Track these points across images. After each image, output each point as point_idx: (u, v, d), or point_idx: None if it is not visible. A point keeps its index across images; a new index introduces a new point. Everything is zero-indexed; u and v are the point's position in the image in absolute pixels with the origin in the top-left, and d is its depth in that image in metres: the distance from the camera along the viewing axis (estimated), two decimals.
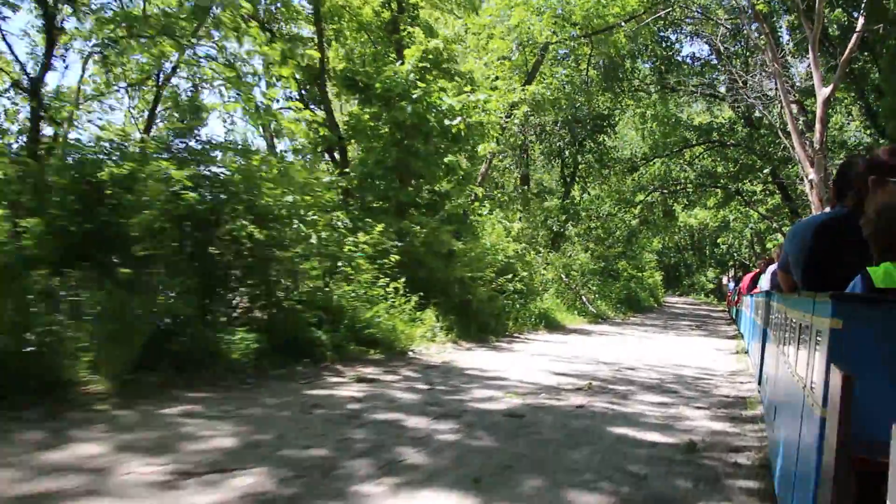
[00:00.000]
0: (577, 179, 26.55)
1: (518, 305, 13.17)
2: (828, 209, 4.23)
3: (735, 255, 47.33)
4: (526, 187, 22.32)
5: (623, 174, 30.91)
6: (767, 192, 33.20)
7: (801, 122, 21.75)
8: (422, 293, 9.84)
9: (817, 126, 18.22)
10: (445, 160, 11.85)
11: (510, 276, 14.14)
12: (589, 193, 27.86)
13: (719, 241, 45.59)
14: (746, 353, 11.20)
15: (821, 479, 1.73)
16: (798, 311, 2.80)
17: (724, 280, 43.53)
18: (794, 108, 21.23)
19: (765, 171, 29.23)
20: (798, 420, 2.35)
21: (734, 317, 21.28)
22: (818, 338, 2.05)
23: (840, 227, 2.72)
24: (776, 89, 21.12)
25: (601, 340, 12.61)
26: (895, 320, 1.82)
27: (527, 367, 8.03)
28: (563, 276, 19.56)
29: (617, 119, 31.69)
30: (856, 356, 1.76)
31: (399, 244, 10.14)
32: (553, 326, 14.51)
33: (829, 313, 1.87)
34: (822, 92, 17.71)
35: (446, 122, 11.78)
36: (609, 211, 32.26)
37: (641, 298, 31.85)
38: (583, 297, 20.15)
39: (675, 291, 59.40)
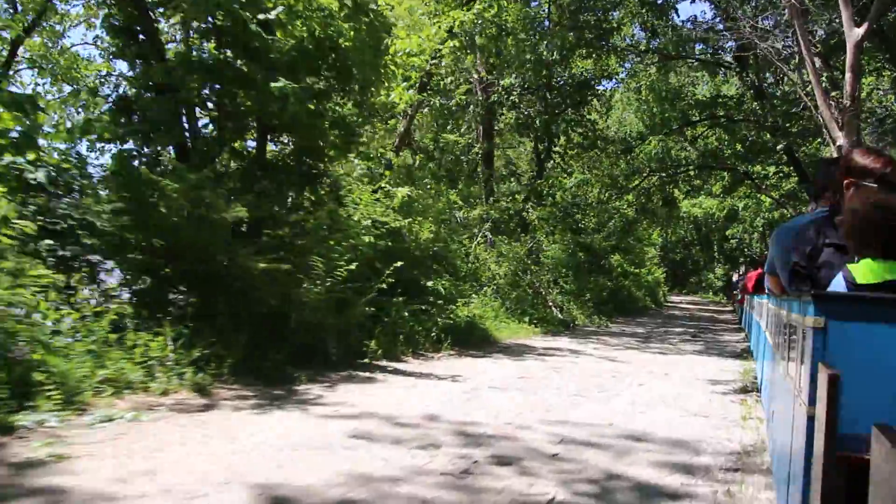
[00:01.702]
0: (552, 156, 21.61)
1: (409, 314, 8.33)
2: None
3: (745, 250, 42.14)
4: (462, 157, 17.47)
5: (616, 156, 26.10)
6: (782, 174, 28.09)
7: (825, 77, 16.97)
8: (145, 298, 5.12)
9: (847, 77, 13.64)
10: (273, 87, 7.07)
11: (423, 267, 9.55)
12: (570, 175, 22.92)
13: (728, 233, 40.35)
14: (759, 390, 6.42)
15: (810, 476, 1.73)
16: (784, 312, 2.96)
17: (734, 278, 38.30)
18: (818, 61, 16.44)
19: (779, 147, 23.68)
20: (790, 419, 2.30)
21: (742, 321, 16.55)
22: (803, 337, 2.05)
23: (821, 229, 2.61)
24: (795, 31, 16.23)
25: (529, 368, 7.78)
26: (876, 316, 1.80)
27: (244, 469, 3.27)
28: (519, 272, 14.73)
29: (607, 94, 26.95)
30: (839, 354, 1.75)
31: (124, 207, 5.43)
32: (476, 343, 9.72)
33: (812, 312, 1.86)
34: (854, 34, 13.15)
35: (260, 16, 7.04)
36: (599, 197, 27.66)
37: (636, 298, 26.92)
38: (548, 298, 15.32)
39: (682, 290, 54.34)
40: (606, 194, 26.90)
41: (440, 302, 9.37)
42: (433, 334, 8.54)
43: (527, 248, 15.25)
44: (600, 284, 18.69)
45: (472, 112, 19.41)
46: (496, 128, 20.82)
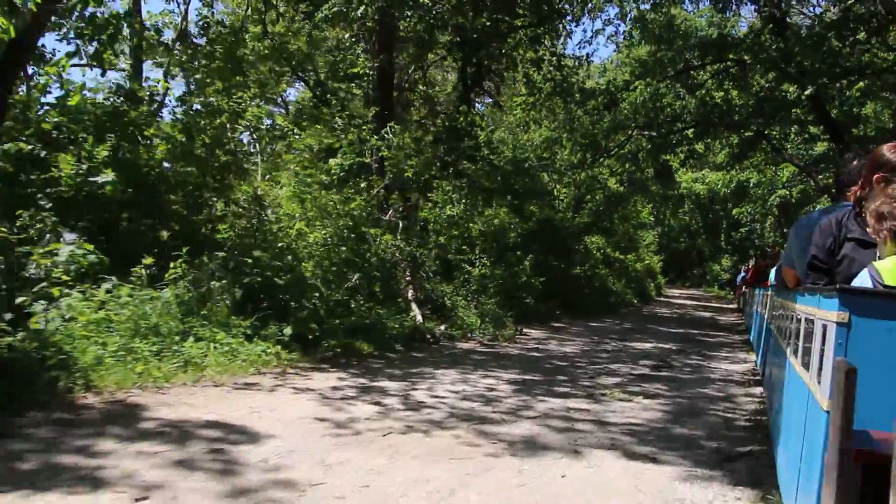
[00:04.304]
0: (483, 86, 14.65)
1: None
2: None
3: (756, 240, 34.89)
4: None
5: (598, 112, 19.34)
6: (806, 136, 20.81)
7: None
8: None
9: None
10: None
11: None
12: (514, 115, 15.97)
13: (735, 212, 32.82)
14: None
15: (824, 471, 1.64)
16: (803, 306, 2.75)
17: (742, 272, 30.98)
18: None
19: (806, 93, 15.86)
20: (803, 414, 2.20)
21: (750, 331, 9.88)
22: (824, 331, 1.93)
23: (843, 222, 2.49)
24: None
25: None
26: None
27: None
28: (351, 242, 7.95)
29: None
30: (862, 349, 1.64)
31: None
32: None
33: (836, 307, 1.74)
34: None
35: None
36: (570, 160, 20.96)
37: (611, 291, 20.07)
38: (408, 288, 8.56)
39: (685, 283, 47.31)
40: (579, 155, 20.15)
41: None
42: None
43: (365, 201, 8.34)
44: (530, 271, 11.79)
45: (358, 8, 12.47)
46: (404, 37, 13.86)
